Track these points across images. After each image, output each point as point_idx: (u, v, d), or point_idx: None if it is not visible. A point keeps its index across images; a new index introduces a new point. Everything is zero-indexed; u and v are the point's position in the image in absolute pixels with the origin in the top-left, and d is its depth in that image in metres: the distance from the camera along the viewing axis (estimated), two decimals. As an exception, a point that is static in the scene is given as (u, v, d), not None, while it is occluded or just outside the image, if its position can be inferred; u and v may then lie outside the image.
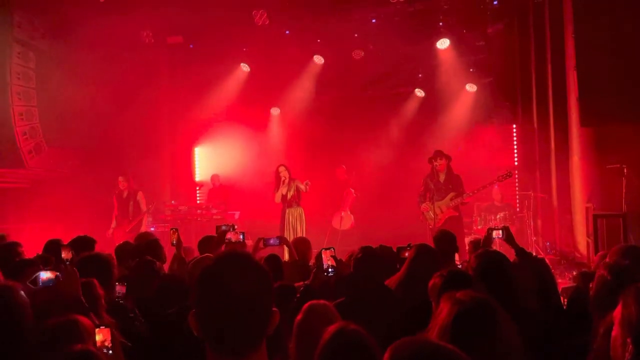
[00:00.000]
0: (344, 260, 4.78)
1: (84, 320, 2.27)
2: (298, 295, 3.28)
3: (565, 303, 3.70)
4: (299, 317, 2.50)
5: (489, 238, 4.47)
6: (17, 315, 2.37)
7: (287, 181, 8.79)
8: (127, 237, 7.88)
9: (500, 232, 4.40)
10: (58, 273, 3.04)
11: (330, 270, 3.37)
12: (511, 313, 1.96)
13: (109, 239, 8.95)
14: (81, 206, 9.03)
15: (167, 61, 11.56)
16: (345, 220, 10.46)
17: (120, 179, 9.40)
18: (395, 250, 4.46)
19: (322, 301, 2.61)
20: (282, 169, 8.88)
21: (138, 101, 9.92)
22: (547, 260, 6.21)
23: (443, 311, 1.84)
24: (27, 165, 9.34)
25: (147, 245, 4.60)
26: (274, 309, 1.47)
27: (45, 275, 3.32)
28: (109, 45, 9.67)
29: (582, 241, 8.47)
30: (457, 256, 7.25)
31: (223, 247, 4.75)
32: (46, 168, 9.81)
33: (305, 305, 2.54)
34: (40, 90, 9.52)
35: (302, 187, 8.62)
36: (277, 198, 8.90)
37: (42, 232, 7.63)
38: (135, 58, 10.19)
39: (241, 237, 4.82)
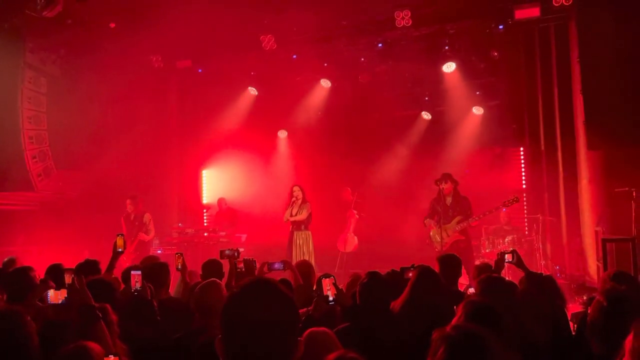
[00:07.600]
0: (348, 282, 4.76)
1: (93, 346, 2.27)
2: (300, 325, 3.25)
3: (575, 329, 3.65)
4: (300, 344, 2.47)
5: (500, 262, 4.52)
6: (23, 342, 2.35)
7: (298, 202, 8.75)
8: (131, 258, 7.90)
9: (512, 255, 4.53)
10: (66, 291, 3.05)
11: (330, 299, 3.32)
12: (515, 342, 1.93)
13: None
14: (89, 229, 9.07)
15: (176, 85, 11.70)
16: (349, 242, 10.41)
17: (128, 201, 9.39)
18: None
19: (322, 328, 2.60)
20: (295, 188, 8.87)
21: (147, 124, 10.03)
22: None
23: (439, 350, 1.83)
24: (36, 188, 9.42)
25: (151, 270, 4.44)
26: (300, 338, 1.48)
27: (53, 294, 3.33)
28: (118, 69, 9.83)
29: (592, 265, 8.37)
30: (467, 280, 7.23)
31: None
32: (55, 191, 9.89)
33: (305, 333, 2.53)
34: (51, 114, 9.65)
35: (301, 212, 8.62)
36: (286, 217, 8.86)
37: (50, 255, 7.65)
38: (144, 82, 10.36)
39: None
